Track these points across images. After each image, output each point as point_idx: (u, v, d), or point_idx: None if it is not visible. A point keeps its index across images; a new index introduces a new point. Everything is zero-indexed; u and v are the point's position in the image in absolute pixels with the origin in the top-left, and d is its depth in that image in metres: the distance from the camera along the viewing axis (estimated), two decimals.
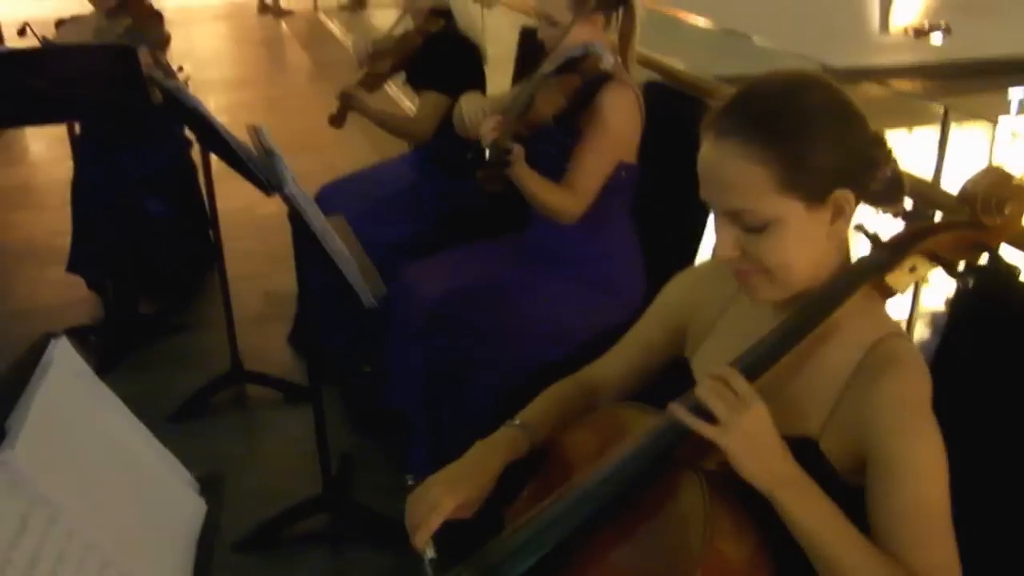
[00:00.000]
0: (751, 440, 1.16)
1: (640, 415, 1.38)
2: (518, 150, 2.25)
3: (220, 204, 3.17)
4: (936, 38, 7.77)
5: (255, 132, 2.20)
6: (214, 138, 2.55)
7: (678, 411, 1.20)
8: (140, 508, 1.16)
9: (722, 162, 1.23)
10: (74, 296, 3.98)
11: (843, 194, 1.23)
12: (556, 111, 2.30)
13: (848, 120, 1.24)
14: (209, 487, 1.29)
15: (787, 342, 1.24)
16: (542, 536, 1.26)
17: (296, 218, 2.18)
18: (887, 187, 1.27)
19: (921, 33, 7.86)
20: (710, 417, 1.17)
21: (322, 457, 2.57)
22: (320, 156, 4.39)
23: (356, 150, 4.89)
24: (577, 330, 2.35)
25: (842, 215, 1.25)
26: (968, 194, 1.26)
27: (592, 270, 2.46)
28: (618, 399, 1.57)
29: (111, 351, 3.60)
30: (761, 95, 1.24)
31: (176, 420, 3.15)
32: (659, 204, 2.48)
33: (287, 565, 2.57)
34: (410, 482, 1.42)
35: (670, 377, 1.54)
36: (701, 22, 4.46)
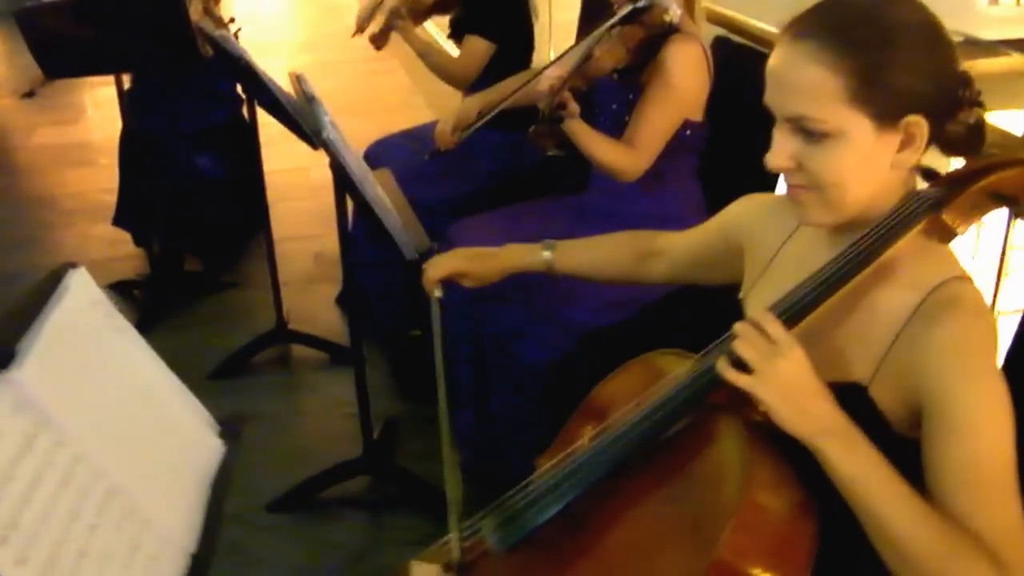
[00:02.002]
0: (787, 388, 1.10)
1: (678, 361, 1.32)
2: (573, 105, 2.15)
3: (273, 165, 3.12)
4: None
5: (297, 79, 2.22)
6: (260, 89, 2.53)
7: (711, 360, 1.16)
8: (154, 442, 1.14)
9: (794, 63, 1.15)
10: (121, 252, 3.96)
11: (916, 120, 1.14)
12: (617, 65, 2.19)
13: (937, 45, 1.16)
14: (229, 430, 1.27)
15: (832, 285, 1.17)
16: (569, 481, 1.23)
17: (337, 167, 2.12)
18: (967, 133, 1.19)
19: None
20: (745, 365, 1.11)
21: (363, 419, 2.50)
22: (378, 121, 4.30)
23: (416, 115, 4.78)
24: (636, 293, 2.20)
25: (911, 144, 1.16)
26: None
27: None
28: (670, 276, 1.66)
29: (155, 306, 3.56)
30: (848, 1, 1.17)
31: (217, 377, 3.09)
32: (727, 166, 2.33)
33: (322, 528, 2.48)
34: None
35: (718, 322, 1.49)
36: None
